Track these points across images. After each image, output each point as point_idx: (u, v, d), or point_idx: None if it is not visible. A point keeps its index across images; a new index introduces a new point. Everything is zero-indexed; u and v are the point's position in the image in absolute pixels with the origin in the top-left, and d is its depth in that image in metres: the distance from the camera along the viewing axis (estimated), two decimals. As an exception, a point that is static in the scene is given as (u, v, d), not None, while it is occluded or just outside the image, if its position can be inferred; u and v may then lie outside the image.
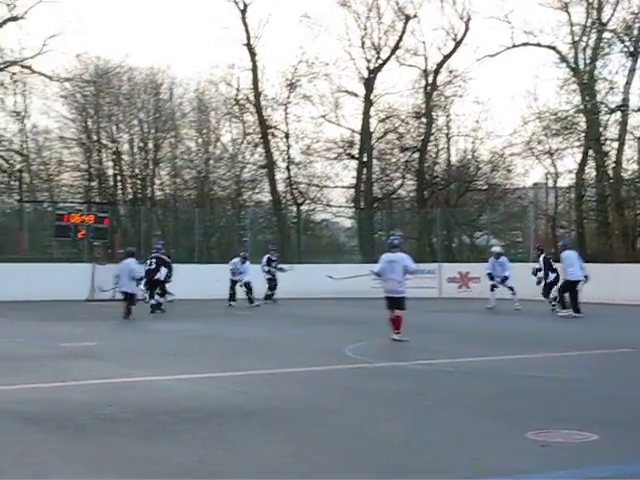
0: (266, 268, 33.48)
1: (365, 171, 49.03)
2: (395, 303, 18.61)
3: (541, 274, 27.89)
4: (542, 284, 28.09)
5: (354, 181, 49.77)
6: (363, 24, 48.50)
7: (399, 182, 50.82)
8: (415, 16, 48.03)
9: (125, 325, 24.04)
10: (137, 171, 49.13)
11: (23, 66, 45.34)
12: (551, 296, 27.56)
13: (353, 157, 49.74)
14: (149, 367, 14.51)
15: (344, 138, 49.69)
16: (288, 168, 49.42)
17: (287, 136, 49.41)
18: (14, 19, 43.58)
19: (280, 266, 33.97)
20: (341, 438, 8.77)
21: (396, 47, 48.49)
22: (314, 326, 23.72)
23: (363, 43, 48.52)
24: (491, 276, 29.86)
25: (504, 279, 29.61)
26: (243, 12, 48.25)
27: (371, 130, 49.02)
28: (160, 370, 14.02)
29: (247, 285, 31.13)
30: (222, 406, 10.58)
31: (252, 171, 50.29)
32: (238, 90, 49.27)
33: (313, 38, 55.40)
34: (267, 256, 34.26)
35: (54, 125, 48.62)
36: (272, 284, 33.52)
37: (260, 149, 49.36)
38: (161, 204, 49.04)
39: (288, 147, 49.56)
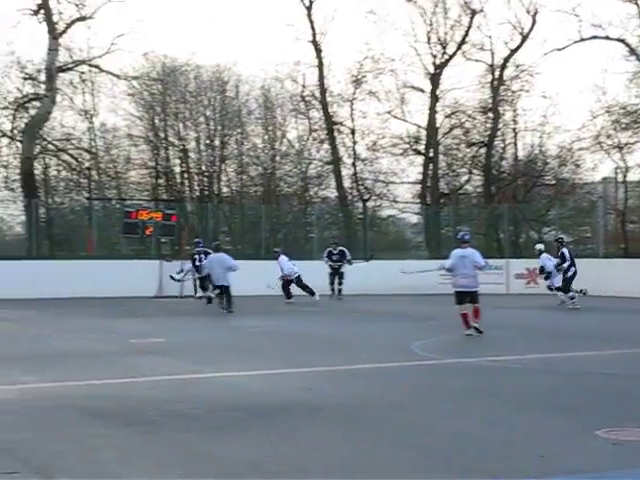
0: (326, 260, 33.65)
1: (431, 167, 48.81)
2: (470, 297, 19.07)
3: (565, 265, 27.77)
4: (554, 278, 28.86)
5: (420, 177, 49.56)
6: (429, 19, 48.28)
7: (466, 178, 50.51)
8: (481, 10, 47.71)
9: (192, 321, 24.20)
10: (204, 168, 49.37)
11: (91, 65, 45.79)
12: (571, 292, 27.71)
13: (419, 153, 49.53)
14: (217, 363, 14.59)
15: (410, 134, 49.54)
16: (354, 164, 49.37)
17: (353, 132, 49.35)
18: (83, 19, 44.01)
19: (349, 259, 33.89)
20: (409, 435, 8.74)
21: (462, 42, 48.18)
22: (380, 322, 23.68)
23: (429, 38, 48.31)
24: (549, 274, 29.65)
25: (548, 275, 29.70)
26: (309, 9, 48.27)
27: (437, 126, 48.77)
28: (228, 366, 14.09)
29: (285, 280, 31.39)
30: (289, 402, 10.60)
31: (318, 167, 50.30)
32: (304, 87, 49.33)
33: (379, 34, 55.43)
34: (328, 249, 34.32)
35: (122, 123, 49.12)
36: (332, 278, 33.55)
37: (326, 145, 49.36)
38: (228, 201, 49.23)
39: (354, 143, 49.52)
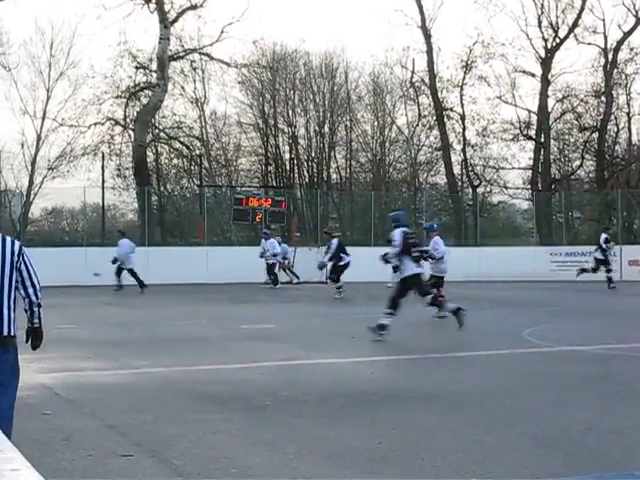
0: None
1: (542, 152, 48.14)
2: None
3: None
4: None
5: (531, 162, 48.96)
6: (540, 2, 47.53)
7: (578, 163, 49.71)
8: (595, -8, 46.82)
9: (302, 308, 24.30)
10: (313, 155, 49.56)
11: (202, 53, 46.26)
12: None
13: (530, 138, 48.89)
14: (327, 349, 14.61)
15: (521, 119, 48.93)
16: (464, 150, 48.99)
17: (463, 118, 48.95)
18: (193, 8, 44.47)
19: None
20: (523, 423, 8.62)
21: (574, 25, 47.33)
22: (491, 309, 23.45)
23: (540, 22, 47.58)
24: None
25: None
26: (418, -6, 47.99)
27: (549, 110, 48.06)
28: (338, 353, 14.10)
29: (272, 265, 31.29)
30: (401, 389, 10.55)
31: (427, 153, 50.10)
32: (413, 72, 49.09)
33: (489, 18, 54.61)
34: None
35: (232, 111, 49.57)
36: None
37: (435, 131, 49.09)
38: (337, 187, 49.35)
39: (464, 129, 49.10)
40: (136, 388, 10.79)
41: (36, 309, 6.86)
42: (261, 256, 30.74)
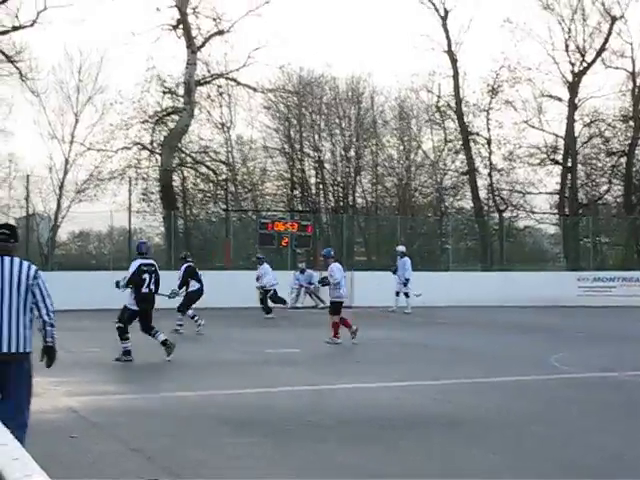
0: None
1: (570, 176, 47.97)
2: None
3: None
4: None
5: (558, 187, 48.77)
6: (567, 27, 47.47)
7: (605, 187, 49.49)
8: (622, 17, 46.67)
9: (326, 332, 24.21)
10: (339, 179, 49.58)
11: (228, 78, 46.44)
12: None
13: (557, 162, 48.73)
14: (353, 374, 14.58)
15: (547, 143, 48.74)
16: (490, 174, 48.85)
17: (489, 142, 48.85)
18: (220, 33, 44.70)
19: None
20: (550, 449, 8.57)
21: (602, 49, 47.23)
22: (517, 334, 23.33)
23: (567, 46, 47.50)
24: None
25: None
26: (444, 19, 48.03)
27: (576, 135, 47.92)
28: (363, 377, 14.07)
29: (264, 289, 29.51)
30: (425, 415, 10.52)
31: (453, 178, 49.97)
32: (439, 97, 49.08)
33: (515, 42, 54.52)
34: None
35: (258, 135, 49.64)
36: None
37: (461, 156, 48.99)
38: (363, 212, 49.33)
39: (490, 153, 48.97)
40: (161, 412, 10.80)
41: (49, 328, 7.60)
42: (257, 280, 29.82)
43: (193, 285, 23.06)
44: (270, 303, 28.95)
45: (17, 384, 7.53)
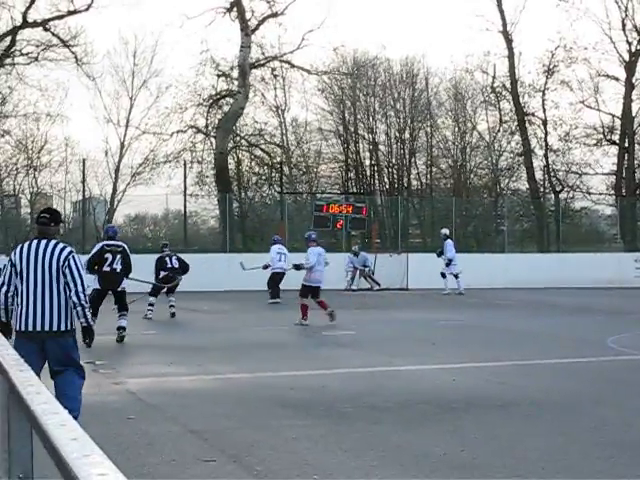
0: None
1: (627, 157, 47.45)
2: (318, 292, 20.18)
3: None
4: None
5: (615, 168, 48.26)
6: (624, 5, 46.85)
7: (663, 168, 48.94)
8: (680, -6, 46.01)
9: (382, 314, 24.22)
10: (394, 161, 49.53)
11: (283, 61, 46.50)
12: None
13: (614, 143, 48.20)
14: (407, 356, 14.58)
15: (604, 123, 48.24)
16: (546, 155, 48.47)
17: (545, 123, 48.44)
18: (274, 15, 44.72)
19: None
20: (608, 431, 8.51)
21: (659, 28, 46.64)
22: (573, 316, 23.17)
23: (624, 25, 46.87)
24: None
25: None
26: (499, -1, 47.70)
27: (633, 114, 47.35)
28: (419, 359, 14.06)
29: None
30: (482, 396, 10.49)
31: (509, 159, 49.67)
32: (494, 78, 48.75)
33: (571, 22, 53.83)
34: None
35: (312, 117, 49.75)
36: None
37: (517, 137, 48.65)
38: (417, 194, 49.23)
39: (546, 134, 48.58)
40: (218, 394, 10.87)
41: (78, 309, 8.03)
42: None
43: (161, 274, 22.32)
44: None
45: (57, 361, 8.03)
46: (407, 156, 49.19)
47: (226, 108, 45.75)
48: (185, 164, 42.23)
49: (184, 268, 22.48)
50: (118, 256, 16.37)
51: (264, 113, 48.21)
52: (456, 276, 30.39)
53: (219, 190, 43.20)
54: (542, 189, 48.47)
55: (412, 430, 8.58)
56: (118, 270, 16.31)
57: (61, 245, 8.10)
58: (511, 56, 47.74)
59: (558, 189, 48.33)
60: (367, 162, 49.81)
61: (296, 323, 19.69)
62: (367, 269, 33.34)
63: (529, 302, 27.95)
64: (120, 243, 16.84)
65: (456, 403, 9.96)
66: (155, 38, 46.84)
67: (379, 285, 33.13)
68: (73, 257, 8.06)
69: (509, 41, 47.68)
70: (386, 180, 50.01)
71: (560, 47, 47.35)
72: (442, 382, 11.72)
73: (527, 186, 48.69)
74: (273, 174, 47.74)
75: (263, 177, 48.69)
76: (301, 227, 43.14)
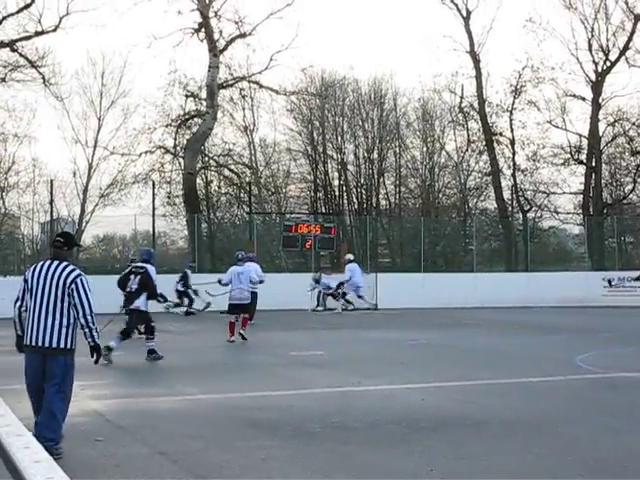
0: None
1: (594, 176, 47.78)
2: (242, 309, 21.10)
3: None
4: None
5: (582, 187, 48.56)
6: (590, 26, 47.29)
7: (630, 187, 49.24)
8: (645, 15, 46.45)
9: (350, 334, 24.22)
10: (362, 181, 49.62)
11: (251, 81, 46.56)
12: None
13: (581, 162, 48.53)
14: (377, 376, 14.57)
15: (571, 143, 48.56)
16: (514, 175, 48.72)
17: (512, 143, 48.73)
18: (242, 36, 44.76)
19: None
20: (577, 449, 8.54)
21: (625, 48, 46.99)
22: (542, 335, 23.26)
23: (590, 45, 47.30)
24: None
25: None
26: (466, 19, 47.96)
27: (600, 134, 47.72)
28: (388, 379, 14.06)
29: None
30: (451, 416, 10.49)
31: (477, 179, 49.90)
32: (462, 98, 49.01)
33: (538, 42, 54.34)
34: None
35: (281, 138, 49.79)
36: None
37: (485, 156, 48.88)
38: (386, 213, 49.33)
39: (513, 154, 48.85)
40: (187, 415, 10.82)
41: (86, 330, 8.52)
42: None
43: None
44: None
45: (50, 376, 8.44)
46: (376, 176, 49.29)
47: (194, 128, 45.71)
48: (154, 185, 42.14)
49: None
50: (138, 277, 17.14)
51: (232, 133, 48.28)
52: (343, 294, 31.62)
53: (188, 210, 43.11)
54: (510, 208, 48.71)
55: (381, 450, 8.56)
56: (133, 290, 17.12)
57: (70, 267, 8.62)
58: (479, 76, 48.04)
59: (526, 208, 48.58)
60: (336, 182, 49.89)
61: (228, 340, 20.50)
62: (336, 290, 33.14)
63: (497, 321, 28.05)
64: (143, 265, 17.54)
65: (425, 423, 9.95)
66: (123, 59, 46.74)
67: (353, 305, 33.00)
68: (81, 280, 8.54)
69: (477, 61, 47.99)
70: (355, 200, 50.09)
71: (527, 67, 47.75)
72: (411, 402, 11.71)
73: (495, 205, 48.93)
74: (242, 194, 47.72)
75: (232, 197, 48.66)
76: (270, 247, 43.16)
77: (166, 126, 46.07)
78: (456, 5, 48.01)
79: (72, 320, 8.56)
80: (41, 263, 8.79)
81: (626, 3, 46.68)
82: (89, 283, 8.67)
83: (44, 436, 7.73)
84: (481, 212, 50.05)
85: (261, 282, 23.32)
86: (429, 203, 48.61)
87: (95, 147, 45.32)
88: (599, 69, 47.27)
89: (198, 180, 46.20)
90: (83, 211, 44.39)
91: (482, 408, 11.18)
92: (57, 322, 8.45)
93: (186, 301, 30.88)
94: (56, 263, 8.64)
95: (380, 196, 49.93)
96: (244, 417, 10.42)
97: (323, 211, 47.30)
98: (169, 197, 45.94)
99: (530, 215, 48.57)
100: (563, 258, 50.29)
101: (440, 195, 50.22)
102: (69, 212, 44.46)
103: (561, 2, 47.40)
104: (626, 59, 47.24)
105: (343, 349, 19.33)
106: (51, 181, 39.37)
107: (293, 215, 43.50)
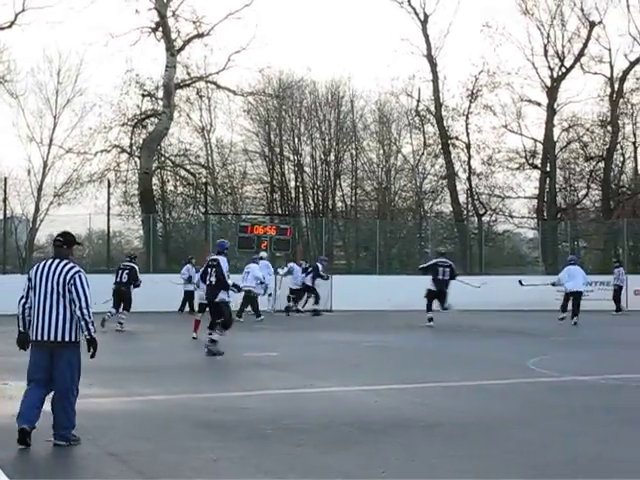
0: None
1: (548, 181, 48.11)
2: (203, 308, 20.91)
3: None
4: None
5: (537, 191, 48.91)
6: (546, 32, 47.66)
7: (583, 192, 49.66)
8: (600, 22, 46.86)
9: (305, 336, 24.21)
10: (319, 183, 49.60)
11: (208, 82, 46.44)
12: None
13: (536, 167, 48.88)
14: (331, 378, 14.57)
15: (526, 148, 48.91)
16: (469, 179, 48.98)
17: (468, 147, 48.99)
18: (200, 36, 44.68)
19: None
20: (528, 452, 8.58)
21: (580, 54, 47.43)
22: (496, 338, 23.39)
23: (546, 51, 47.67)
24: None
25: None
26: (424, 23, 48.17)
27: (554, 139, 48.08)
28: (342, 381, 14.07)
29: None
30: (404, 418, 10.51)
31: (433, 182, 50.10)
32: (419, 101, 49.21)
33: (494, 47, 54.69)
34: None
35: (238, 138, 49.63)
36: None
37: (441, 160, 49.12)
38: (342, 215, 49.36)
39: (469, 158, 49.13)
40: (139, 416, 10.77)
41: (82, 323, 8.97)
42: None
43: None
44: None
45: (58, 371, 8.93)
46: (332, 178, 49.30)
47: (151, 128, 45.53)
48: (109, 184, 41.91)
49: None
50: (213, 270, 17.80)
51: (189, 133, 48.11)
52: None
53: (143, 210, 42.92)
54: (465, 212, 48.93)
55: (333, 452, 8.56)
56: (213, 283, 17.74)
57: (70, 265, 9.17)
58: (435, 80, 48.26)
59: (481, 212, 48.85)
60: (292, 184, 49.82)
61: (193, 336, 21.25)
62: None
63: (452, 324, 28.11)
64: (216, 257, 18.07)
65: (378, 424, 9.97)
66: (80, 57, 46.23)
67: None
68: (79, 276, 9.09)
69: (433, 65, 48.23)
70: (311, 202, 50.06)
71: (484, 72, 48.06)
72: (364, 403, 11.73)
73: (451, 209, 49.17)
74: (198, 195, 47.55)
75: (188, 197, 48.49)
76: (226, 248, 42.96)
77: (122, 125, 45.86)
78: (414, 9, 48.27)
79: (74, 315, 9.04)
80: (44, 262, 9.36)
81: (581, 10, 47.17)
82: (87, 279, 9.17)
83: (62, 425, 8.78)
84: (436, 215, 50.24)
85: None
86: (385, 205, 48.70)
87: (50, 145, 44.93)
88: (554, 75, 47.68)
89: (154, 180, 46.02)
90: (37, 210, 44.01)
91: (435, 410, 11.22)
92: (61, 317, 8.96)
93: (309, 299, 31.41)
94: (57, 261, 9.19)
95: (336, 198, 49.96)
96: (196, 418, 10.38)
97: (279, 212, 47.23)
98: (125, 197, 45.71)
99: (485, 219, 48.85)
100: (517, 262, 50.59)
101: (396, 198, 50.34)
102: (23, 210, 44.02)
103: (518, 8, 47.83)
104: (581, 65, 47.72)
105: (297, 351, 19.32)
106: (5, 179, 38.92)
107: (249, 216, 43.37)
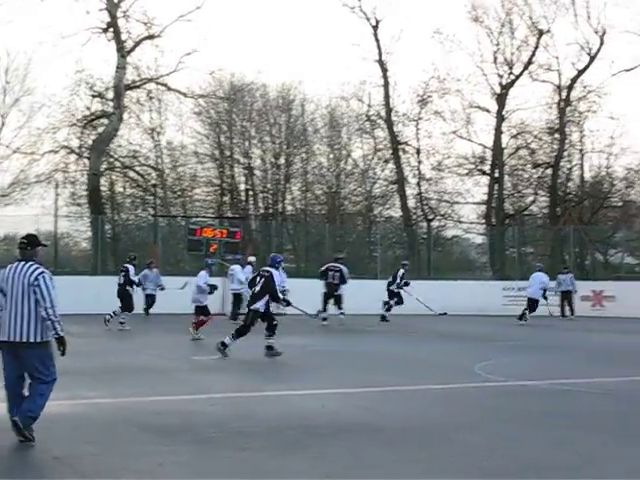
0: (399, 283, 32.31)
1: (496, 187, 48.49)
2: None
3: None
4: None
5: (485, 197, 49.27)
6: (496, 40, 48.07)
7: (531, 198, 50.11)
8: (548, 31, 47.33)
9: (254, 340, 24.14)
10: (269, 186, 49.55)
11: (159, 83, 46.21)
12: None
13: (484, 173, 49.25)
14: (278, 381, 14.60)
15: (475, 154, 49.26)
16: (419, 184, 49.23)
17: (418, 152, 49.25)
18: (151, 37, 44.47)
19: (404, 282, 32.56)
20: (471, 457, 8.65)
21: (529, 62, 47.88)
22: (442, 343, 23.53)
23: (495, 59, 48.08)
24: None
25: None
26: (375, 28, 48.34)
27: (503, 146, 48.45)
28: (289, 385, 14.09)
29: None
30: (351, 422, 10.55)
31: (383, 187, 50.26)
32: (369, 106, 49.38)
33: (445, 54, 54.98)
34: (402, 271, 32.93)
35: (188, 141, 49.40)
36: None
37: (391, 165, 49.30)
38: (292, 219, 49.34)
39: (419, 163, 49.39)
40: (85, 419, 10.71)
41: (48, 323, 9.15)
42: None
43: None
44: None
45: (28, 369, 9.21)
46: (282, 181, 49.28)
47: (100, 129, 45.23)
48: (57, 185, 41.59)
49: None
50: (262, 280, 18.41)
51: (139, 135, 47.80)
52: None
53: (92, 212, 42.63)
54: (415, 217, 49.17)
55: (279, 456, 8.58)
56: (256, 292, 18.42)
57: (34, 266, 9.39)
58: (386, 85, 48.49)
59: (430, 217, 49.09)
60: (242, 186, 49.72)
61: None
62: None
63: (399, 328, 28.27)
64: (269, 269, 18.51)
65: (324, 429, 10.00)
66: (28, 56, 45.83)
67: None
68: (43, 277, 9.28)
69: (384, 70, 48.45)
70: (261, 205, 49.99)
71: (434, 78, 48.37)
72: (311, 408, 11.75)
73: (400, 213, 49.35)
74: (147, 196, 47.33)
75: (137, 199, 48.23)
76: (175, 250, 42.87)
77: (71, 126, 45.49)
78: (365, 14, 48.43)
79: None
80: (10, 265, 9.58)
81: (530, 18, 47.62)
82: (52, 280, 9.36)
83: (27, 408, 9.06)
84: (386, 220, 50.39)
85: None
86: (335, 209, 48.78)
87: (-4, 145, 44.48)
88: (503, 82, 48.12)
89: (103, 181, 45.73)
90: (-17, 210, 43.56)
91: (381, 415, 11.26)
92: (26, 317, 9.16)
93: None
94: (22, 263, 9.45)
95: (286, 201, 49.94)
96: (142, 422, 10.35)
97: (229, 215, 47.14)
98: (73, 198, 45.35)
99: (434, 224, 49.11)
100: (466, 267, 50.96)
101: (346, 202, 50.43)
102: (-31, 211, 43.58)
103: (468, 15, 48.18)
104: (529, 73, 48.19)
105: (245, 354, 19.28)
106: (-49, 179, 38.55)
107: (198, 218, 43.23)
